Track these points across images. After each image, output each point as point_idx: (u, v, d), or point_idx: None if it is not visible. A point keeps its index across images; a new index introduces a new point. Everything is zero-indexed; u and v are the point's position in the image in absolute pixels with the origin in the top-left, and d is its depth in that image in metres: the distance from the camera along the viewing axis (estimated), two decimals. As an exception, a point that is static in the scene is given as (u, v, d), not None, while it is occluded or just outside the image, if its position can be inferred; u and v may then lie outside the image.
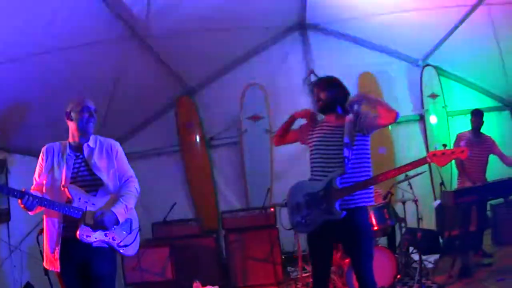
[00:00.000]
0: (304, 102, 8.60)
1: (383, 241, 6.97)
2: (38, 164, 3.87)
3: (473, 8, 7.02)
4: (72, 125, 3.87)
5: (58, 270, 3.64)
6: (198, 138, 8.75)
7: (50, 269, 3.74)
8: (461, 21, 7.49)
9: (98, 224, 3.63)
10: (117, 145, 4.09)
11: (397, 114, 3.82)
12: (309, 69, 9.06)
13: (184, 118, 8.72)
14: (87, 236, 3.61)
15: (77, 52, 5.67)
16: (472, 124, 7.37)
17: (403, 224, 6.69)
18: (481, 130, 7.45)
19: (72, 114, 3.85)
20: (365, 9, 7.93)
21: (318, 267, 4.14)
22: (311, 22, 9.09)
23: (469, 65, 9.00)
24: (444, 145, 3.84)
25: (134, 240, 4.00)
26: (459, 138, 7.40)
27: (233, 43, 8.44)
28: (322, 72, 8.55)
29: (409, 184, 6.60)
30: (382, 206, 6.23)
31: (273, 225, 7.07)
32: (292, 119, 4.47)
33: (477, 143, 7.26)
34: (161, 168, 8.73)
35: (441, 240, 7.40)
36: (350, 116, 4.00)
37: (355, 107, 3.97)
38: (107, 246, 3.76)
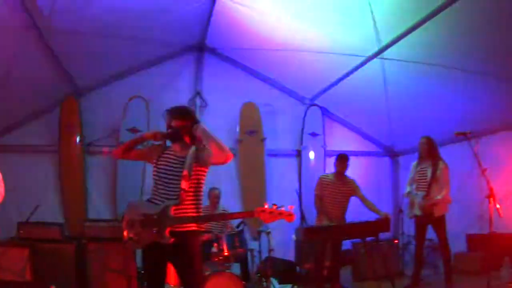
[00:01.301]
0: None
1: (236, 268, 7.49)
2: None
3: (368, 59, 7.80)
4: None
5: None
6: (77, 141, 8.96)
7: None
8: (355, 69, 8.28)
9: None
10: None
11: (229, 157, 4.25)
12: (196, 90, 9.68)
13: (66, 119, 8.90)
14: None
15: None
16: (337, 167, 7.79)
17: (256, 253, 7.39)
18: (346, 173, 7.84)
19: None
20: (263, 43, 8.58)
21: (152, 285, 4.41)
22: (209, 45, 9.71)
23: (355, 110, 9.96)
24: (275, 205, 4.06)
25: None
26: (321, 180, 7.85)
27: (129, 52, 8.79)
28: (208, 95, 9.56)
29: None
30: (234, 234, 6.99)
31: (131, 238, 7.29)
32: (141, 139, 4.66)
33: (339, 185, 7.68)
34: (37, 166, 8.82)
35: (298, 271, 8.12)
36: (193, 149, 4.39)
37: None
38: None
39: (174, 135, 4.47)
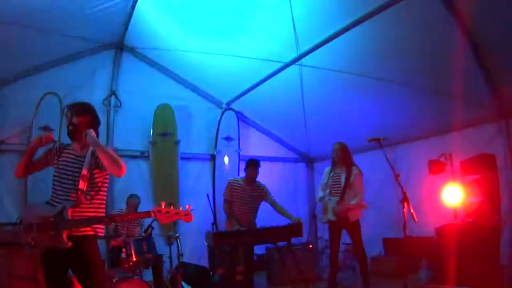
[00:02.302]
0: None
1: (147, 273, 7.39)
2: None
3: (286, 65, 7.87)
4: None
5: None
6: None
7: None
8: (273, 74, 8.33)
9: None
10: None
11: (122, 171, 4.13)
12: (111, 89, 9.42)
13: None
14: None
15: None
16: (247, 173, 7.75)
17: (166, 258, 7.35)
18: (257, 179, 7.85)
19: None
20: (180, 44, 8.53)
21: None
22: (128, 44, 9.51)
23: (272, 116, 10.07)
24: (171, 204, 4.11)
25: None
26: (229, 185, 7.79)
27: (45, 46, 8.36)
28: (124, 95, 9.34)
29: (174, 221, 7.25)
30: (142, 239, 6.90)
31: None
32: (31, 151, 4.45)
33: (249, 190, 7.68)
34: None
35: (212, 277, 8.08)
36: (91, 149, 4.30)
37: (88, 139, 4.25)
38: None
39: (76, 132, 4.36)
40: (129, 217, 5.90)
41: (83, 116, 4.40)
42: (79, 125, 4.35)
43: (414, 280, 6.39)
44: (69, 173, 4.24)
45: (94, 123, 4.49)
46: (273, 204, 7.67)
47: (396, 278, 7.58)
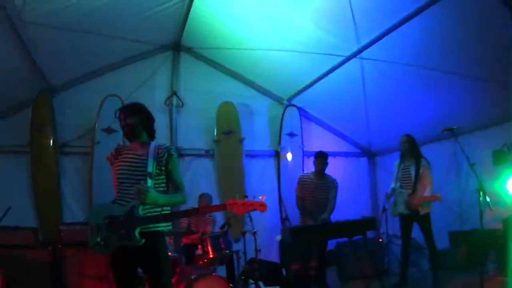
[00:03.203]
0: (162, 121, 8.91)
1: (222, 269, 7.24)
2: None
3: (347, 59, 7.63)
4: None
5: None
6: (50, 142, 8.43)
7: None
8: (333, 69, 8.10)
9: None
10: None
11: (185, 201, 4.35)
12: (172, 90, 9.33)
13: (39, 118, 8.37)
14: None
15: None
16: (316, 166, 7.74)
17: (241, 254, 7.12)
18: (326, 172, 7.80)
19: None
20: (240, 42, 8.36)
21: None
22: (186, 44, 9.41)
23: (333, 110, 9.77)
24: (245, 196, 4.16)
25: None
26: (300, 180, 7.80)
27: (105, 50, 8.43)
28: (185, 95, 9.27)
29: (249, 216, 7.04)
30: (218, 235, 6.70)
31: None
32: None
33: (318, 184, 7.63)
34: (7, 168, 8.25)
35: (284, 273, 7.88)
36: (153, 145, 4.33)
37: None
38: None
39: (133, 133, 4.35)
40: (205, 209, 5.92)
41: (135, 116, 4.35)
42: (133, 125, 4.32)
43: (482, 273, 5.96)
44: (133, 172, 4.21)
45: (148, 121, 4.47)
46: (331, 199, 7.60)
47: (463, 271, 7.37)
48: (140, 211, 4.03)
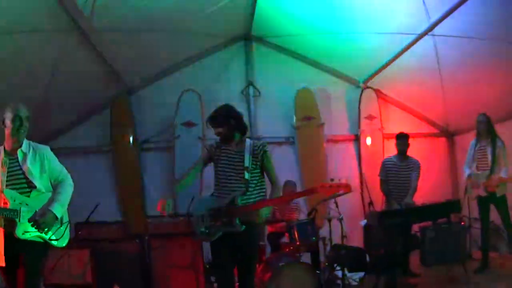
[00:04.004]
0: (240, 111, 8.76)
1: (306, 257, 7.13)
2: None
3: (419, 37, 7.36)
4: (6, 131, 4.23)
5: (4, 265, 4.03)
6: (131, 139, 8.75)
7: None
8: (406, 48, 7.82)
9: (41, 225, 4.10)
10: (48, 151, 4.47)
11: None
12: (248, 80, 9.32)
13: (118, 118, 8.71)
14: (23, 234, 4.04)
15: (17, 38, 5.74)
16: (397, 147, 7.57)
17: (327, 241, 6.97)
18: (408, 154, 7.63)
19: (6, 122, 4.21)
20: (311, 27, 8.24)
21: (223, 277, 4.59)
22: (256, 34, 9.34)
23: (409, 91, 9.44)
24: (332, 179, 4.54)
25: (64, 232, 4.41)
26: (383, 164, 7.66)
27: (176, 47, 8.58)
28: (261, 84, 9.19)
29: (335, 202, 6.89)
30: (306, 222, 6.59)
31: (197, 233, 6.96)
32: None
33: (401, 166, 7.46)
34: (90, 167, 8.60)
35: (368, 258, 7.66)
36: (249, 141, 4.70)
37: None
38: (41, 240, 4.18)
39: (227, 138, 4.68)
40: (297, 195, 6.07)
41: (224, 125, 4.63)
42: (224, 133, 4.66)
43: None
44: (232, 166, 4.61)
45: (237, 123, 4.70)
46: (414, 180, 7.40)
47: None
48: (240, 201, 4.45)
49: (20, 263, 4.11)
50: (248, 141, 4.72)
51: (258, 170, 4.66)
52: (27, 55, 6.27)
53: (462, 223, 8.25)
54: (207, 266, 7.10)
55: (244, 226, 4.41)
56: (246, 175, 4.53)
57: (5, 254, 4.03)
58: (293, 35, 8.76)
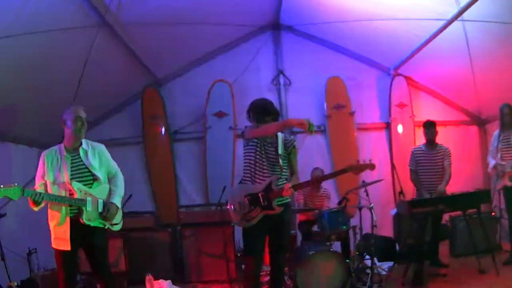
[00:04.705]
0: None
1: (337, 245, 7.10)
2: (40, 167, 4.69)
3: (448, 22, 7.20)
4: (67, 131, 4.73)
5: (69, 249, 4.48)
6: (162, 130, 8.91)
7: (60, 248, 4.52)
8: (435, 34, 7.67)
9: (108, 218, 4.73)
10: (105, 149, 5.03)
11: None
12: (278, 69, 9.35)
13: (149, 110, 8.88)
14: (88, 220, 4.58)
15: (46, 37, 5.83)
16: (426, 136, 7.43)
17: (357, 230, 6.95)
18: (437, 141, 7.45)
19: (68, 122, 4.70)
20: (339, 15, 8.18)
21: (256, 261, 4.86)
22: (285, 23, 9.38)
23: (440, 78, 9.32)
24: (357, 161, 5.13)
25: (120, 219, 5.01)
26: (413, 154, 7.53)
27: (204, 38, 8.65)
28: (290, 73, 9.25)
29: (366, 191, 6.83)
30: (336, 211, 6.58)
31: (228, 222, 6.86)
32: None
33: (431, 155, 7.33)
34: (123, 159, 8.19)
35: (398, 248, 7.67)
36: (280, 135, 5.00)
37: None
38: (102, 225, 4.76)
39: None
40: (329, 176, 6.01)
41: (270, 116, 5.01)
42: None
43: None
44: (266, 155, 4.92)
45: (277, 117, 5.08)
46: (445, 168, 7.17)
47: None
48: (276, 185, 4.79)
49: (82, 247, 4.71)
50: (279, 134, 4.99)
51: (286, 161, 5.01)
52: (58, 52, 6.39)
53: (493, 214, 8.22)
54: (238, 255, 7.19)
55: (282, 207, 4.79)
56: (281, 162, 4.87)
57: (70, 238, 4.47)
58: (321, 23, 8.73)
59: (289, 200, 4.95)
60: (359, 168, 5.02)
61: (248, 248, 4.96)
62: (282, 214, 4.81)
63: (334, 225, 6.43)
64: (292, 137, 5.26)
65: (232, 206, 4.94)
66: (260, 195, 4.77)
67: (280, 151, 4.88)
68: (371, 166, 5.04)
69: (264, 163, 4.88)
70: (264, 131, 4.84)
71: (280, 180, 4.86)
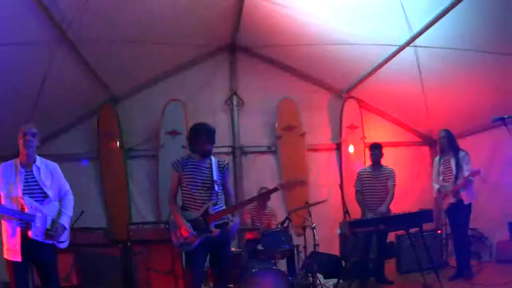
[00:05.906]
0: (224, 121, 9.33)
1: (282, 264, 7.42)
2: None
3: (401, 48, 7.56)
4: (20, 147, 4.97)
5: (20, 260, 4.74)
6: (117, 147, 9.01)
7: (12, 259, 4.77)
8: (388, 59, 8.05)
9: (54, 237, 4.97)
10: (58, 168, 5.29)
11: None
12: (232, 90, 9.61)
13: (105, 126, 9.00)
14: (36, 236, 4.84)
15: (5, 50, 6.07)
16: (371, 158, 7.82)
17: (301, 248, 7.29)
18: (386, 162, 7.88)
19: (19, 139, 4.95)
20: (294, 38, 8.44)
21: (197, 278, 5.08)
22: (241, 44, 9.63)
23: (392, 100, 9.68)
24: (288, 179, 5.48)
25: (67, 237, 5.24)
26: (359, 175, 7.92)
27: (162, 57, 8.85)
28: (245, 94, 9.50)
29: (309, 211, 7.25)
30: (277, 231, 6.92)
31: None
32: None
33: (376, 176, 7.71)
34: (77, 174, 8.57)
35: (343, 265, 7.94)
36: (213, 158, 5.22)
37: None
38: (49, 242, 4.99)
39: (208, 155, 5.24)
40: (258, 197, 6.68)
41: (213, 142, 5.26)
42: (211, 149, 5.22)
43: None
44: (202, 180, 5.11)
45: (200, 139, 5.16)
46: (390, 189, 7.64)
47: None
48: (212, 210, 5.01)
49: (31, 261, 4.96)
50: (213, 158, 5.23)
51: (221, 184, 5.22)
52: (17, 66, 6.56)
53: (439, 232, 8.64)
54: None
55: (219, 230, 5.00)
56: (216, 188, 5.08)
57: (21, 250, 4.75)
58: (276, 45, 8.99)
59: (226, 220, 5.14)
60: (289, 184, 5.23)
61: (188, 260, 5.18)
62: (220, 235, 5.01)
63: (275, 244, 6.67)
64: (225, 160, 5.52)
65: (172, 233, 5.14)
66: (198, 220, 4.98)
67: (215, 177, 5.08)
68: (301, 182, 5.36)
69: (202, 188, 5.06)
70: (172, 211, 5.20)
71: (216, 205, 5.06)
